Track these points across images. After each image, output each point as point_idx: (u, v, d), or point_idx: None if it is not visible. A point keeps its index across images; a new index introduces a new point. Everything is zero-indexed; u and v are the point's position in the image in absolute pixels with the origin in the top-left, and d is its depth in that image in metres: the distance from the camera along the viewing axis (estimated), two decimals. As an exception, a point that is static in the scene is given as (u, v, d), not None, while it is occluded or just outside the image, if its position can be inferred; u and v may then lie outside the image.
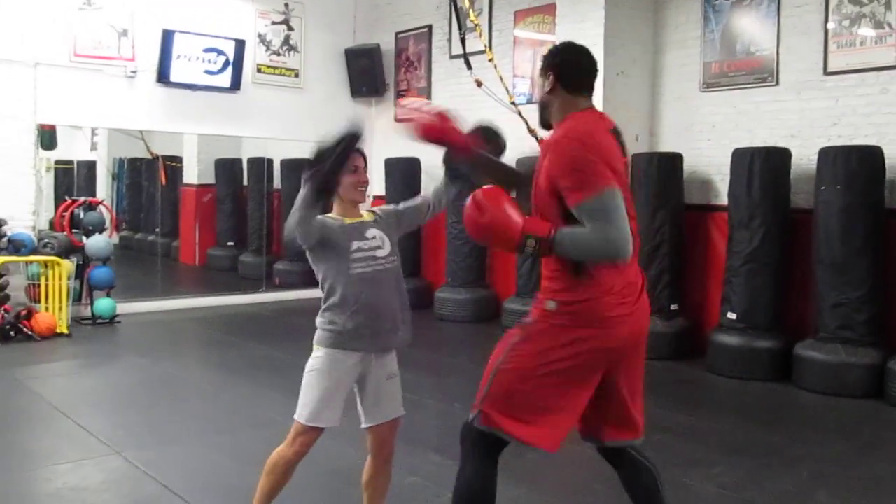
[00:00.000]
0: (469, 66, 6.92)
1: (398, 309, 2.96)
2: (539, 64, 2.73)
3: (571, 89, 2.62)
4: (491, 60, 7.23)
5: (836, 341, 5.74)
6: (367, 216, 3.02)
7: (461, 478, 2.61)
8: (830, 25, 6.36)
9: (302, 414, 2.89)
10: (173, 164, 11.40)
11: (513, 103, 7.07)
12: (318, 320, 2.94)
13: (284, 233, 2.90)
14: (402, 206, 3.14)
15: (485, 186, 2.57)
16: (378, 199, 10.18)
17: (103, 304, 8.01)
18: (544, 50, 2.77)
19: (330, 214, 2.95)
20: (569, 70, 2.63)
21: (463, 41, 7.01)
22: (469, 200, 2.53)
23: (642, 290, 2.60)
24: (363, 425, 3.01)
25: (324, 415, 2.89)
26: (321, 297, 2.94)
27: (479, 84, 6.67)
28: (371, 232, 2.96)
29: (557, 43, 2.76)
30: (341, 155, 2.75)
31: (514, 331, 2.61)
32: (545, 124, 2.70)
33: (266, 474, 2.96)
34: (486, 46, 7.16)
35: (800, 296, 6.28)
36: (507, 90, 7.41)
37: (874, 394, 5.53)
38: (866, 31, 6.17)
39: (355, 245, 2.89)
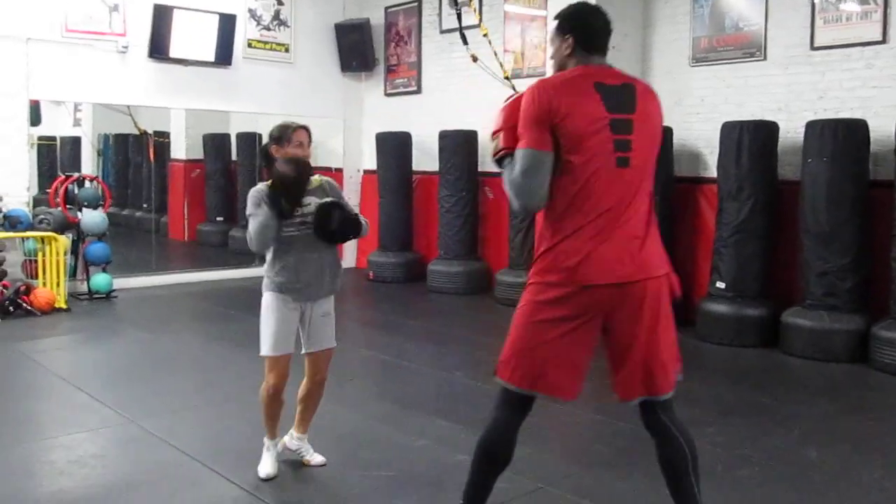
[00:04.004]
0: (465, 42, 7.03)
1: (325, 265, 3.48)
2: (552, 24, 2.76)
3: (589, 50, 2.67)
4: (485, 35, 7.35)
5: (822, 308, 5.94)
6: (313, 182, 3.46)
7: (486, 425, 2.75)
8: (817, 0, 6.49)
9: (263, 349, 3.51)
10: (161, 140, 11.39)
11: (507, 78, 7.20)
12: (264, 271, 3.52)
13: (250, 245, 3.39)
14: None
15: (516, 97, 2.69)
16: (368, 174, 10.29)
17: (100, 279, 8.07)
18: (553, 13, 2.81)
19: None
20: (588, 33, 2.68)
21: (459, 16, 7.09)
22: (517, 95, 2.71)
23: (641, 247, 2.61)
24: (302, 352, 3.59)
25: (279, 346, 3.47)
26: None
27: (475, 59, 6.80)
28: (308, 199, 3.38)
29: (572, 3, 2.76)
30: (296, 195, 3.33)
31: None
32: None
33: (261, 403, 3.65)
34: (479, 21, 7.26)
35: (787, 265, 6.47)
36: (500, 64, 7.53)
37: (859, 358, 5.73)
38: (852, 6, 6.31)
39: None
